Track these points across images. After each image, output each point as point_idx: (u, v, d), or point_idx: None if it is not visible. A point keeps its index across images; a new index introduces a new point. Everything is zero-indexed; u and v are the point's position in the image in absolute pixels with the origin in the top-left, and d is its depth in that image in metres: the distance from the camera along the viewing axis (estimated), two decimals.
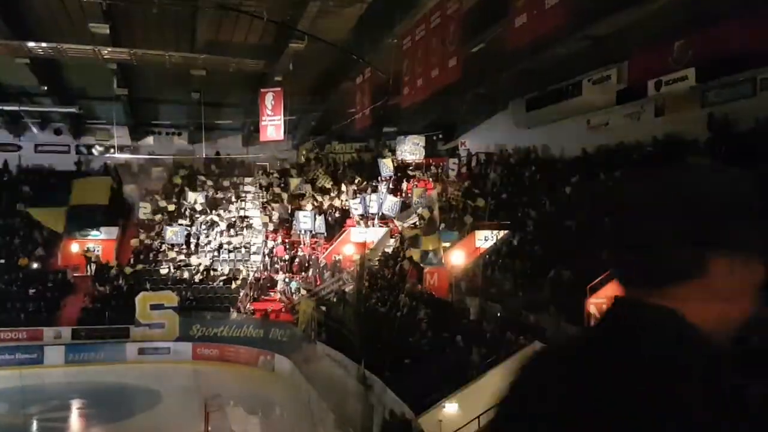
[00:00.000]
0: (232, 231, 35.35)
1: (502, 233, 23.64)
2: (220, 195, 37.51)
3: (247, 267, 33.71)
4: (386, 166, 36.03)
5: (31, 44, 23.17)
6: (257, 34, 24.02)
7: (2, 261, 32.01)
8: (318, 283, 31.10)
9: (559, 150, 27.32)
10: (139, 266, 32.88)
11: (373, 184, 36.21)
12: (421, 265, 23.79)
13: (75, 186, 35.19)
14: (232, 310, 30.88)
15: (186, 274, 32.63)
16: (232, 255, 34.38)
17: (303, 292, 30.77)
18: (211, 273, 33.11)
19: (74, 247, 33.88)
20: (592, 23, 19.06)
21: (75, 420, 23.32)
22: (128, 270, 32.46)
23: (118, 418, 22.01)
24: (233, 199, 37.70)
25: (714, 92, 19.78)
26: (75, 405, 24.24)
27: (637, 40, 20.16)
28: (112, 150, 33.00)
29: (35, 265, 32.35)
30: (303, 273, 32.63)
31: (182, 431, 20.16)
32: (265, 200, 37.53)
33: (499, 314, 18.31)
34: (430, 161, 37.69)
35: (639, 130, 22.58)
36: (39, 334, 29.09)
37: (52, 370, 27.84)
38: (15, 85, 30.44)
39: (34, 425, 20.52)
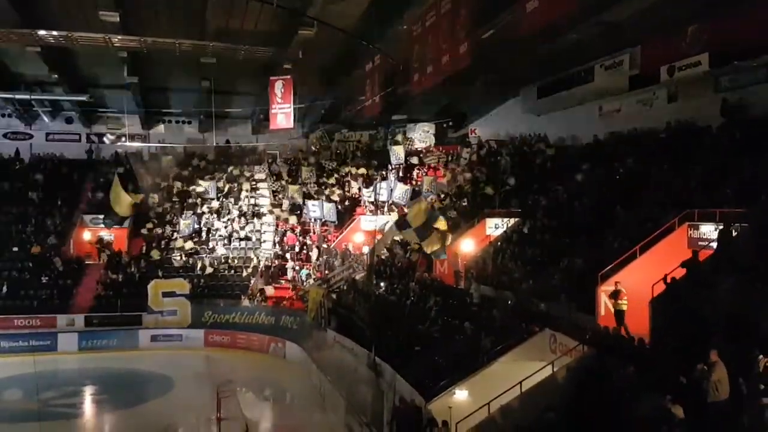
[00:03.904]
0: (243, 219, 35.44)
1: (512, 221, 23.55)
2: (233, 184, 37.57)
3: (258, 255, 33.84)
4: (397, 153, 35.95)
5: (41, 32, 23.23)
6: (267, 22, 23.94)
7: (15, 249, 32.24)
8: (327, 271, 31.16)
9: (571, 137, 27.13)
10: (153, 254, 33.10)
11: (383, 172, 36.14)
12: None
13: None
14: (243, 297, 31.03)
15: (197, 263, 32.77)
16: (243, 243, 34.49)
17: (312, 279, 30.88)
18: (222, 261, 33.24)
19: (86, 236, 34.12)
20: (605, 8, 18.90)
21: (88, 406, 23.52)
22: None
23: (130, 404, 22.22)
24: (244, 187, 37.74)
25: (728, 78, 19.55)
26: (88, 391, 24.47)
27: (649, 25, 19.94)
28: (123, 138, 33.04)
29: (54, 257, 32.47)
30: (312, 262, 32.66)
31: (194, 417, 20.31)
32: (275, 188, 37.58)
33: (509, 302, 18.26)
34: (440, 149, 37.57)
35: (652, 117, 22.39)
36: (52, 322, 29.38)
37: (66, 356, 28.13)
38: (26, 73, 30.58)
39: (48, 411, 20.70)
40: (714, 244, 14.03)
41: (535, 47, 22.33)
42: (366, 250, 30.49)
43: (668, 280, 13.39)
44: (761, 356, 9.66)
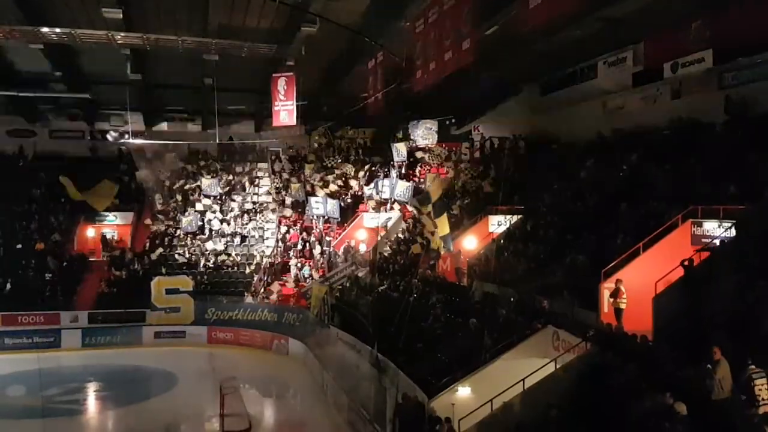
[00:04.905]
0: (245, 216, 35.48)
1: (515, 218, 23.53)
2: (236, 181, 37.64)
3: (261, 252, 33.89)
4: (399, 150, 35.90)
5: (44, 30, 23.21)
6: (269, 18, 23.95)
7: (19, 246, 32.29)
8: (327, 270, 31.18)
9: (574, 134, 27.06)
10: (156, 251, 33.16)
11: (385, 169, 36.09)
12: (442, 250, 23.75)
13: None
14: (246, 294, 31.06)
15: (201, 260, 32.80)
16: (246, 240, 34.54)
17: (315, 277, 30.90)
18: (225, 258, 33.26)
19: (90, 232, 34.22)
20: (608, 4, 18.85)
21: (92, 402, 23.59)
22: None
23: (134, 400, 22.26)
24: (247, 184, 37.79)
25: (731, 74, 19.48)
26: (92, 388, 24.53)
27: (653, 21, 19.88)
28: (126, 135, 33.08)
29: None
30: (313, 259, 32.62)
31: (198, 413, 20.37)
32: (278, 185, 37.60)
33: (512, 299, 18.25)
34: (443, 146, 37.47)
35: (655, 113, 22.33)
36: (56, 319, 29.43)
37: (69, 353, 28.20)
38: (29, 71, 30.58)
39: (52, 408, 20.77)
40: (717, 242, 14.03)
41: (538, 44, 22.30)
42: (363, 248, 30.52)
43: (686, 263, 13.38)
44: (751, 365, 9.65)
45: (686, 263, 13.38)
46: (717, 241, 14.04)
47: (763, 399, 9.38)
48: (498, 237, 23.36)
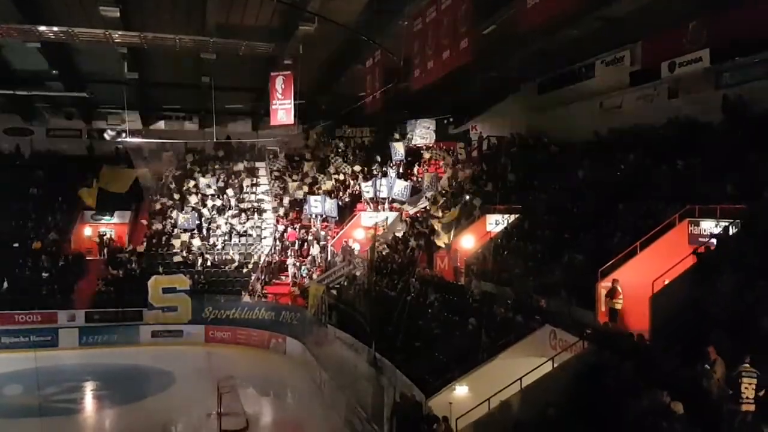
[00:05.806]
0: (243, 215, 35.45)
1: (513, 217, 23.53)
2: (234, 180, 37.61)
3: (258, 251, 33.85)
4: (397, 149, 35.92)
5: (42, 28, 23.18)
6: (267, 17, 23.94)
7: (16, 245, 32.23)
8: (325, 269, 31.16)
9: (572, 133, 27.07)
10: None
11: (383, 168, 36.09)
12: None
13: (102, 173, 34.61)
14: (243, 293, 31.03)
15: (198, 259, 32.76)
16: (243, 239, 34.51)
17: (314, 276, 30.88)
18: (223, 257, 33.23)
19: (87, 231, 34.18)
20: (605, 3, 18.87)
21: (89, 401, 23.56)
22: (140, 248, 32.86)
23: (131, 399, 22.24)
24: (244, 183, 37.75)
25: (729, 74, 19.50)
26: (89, 387, 24.49)
27: (650, 20, 19.90)
28: (123, 134, 33.04)
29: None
30: (310, 257, 32.59)
31: (195, 412, 20.34)
32: (276, 184, 37.60)
33: (510, 298, 18.26)
34: (441, 145, 37.52)
35: (652, 113, 22.31)
36: (53, 317, 29.39)
37: (67, 352, 28.18)
38: (26, 69, 30.52)
39: (49, 407, 20.73)
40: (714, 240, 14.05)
41: (536, 43, 22.32)
42: (357, 248, 30.51)
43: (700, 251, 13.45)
44: (746, 363, 9.68)
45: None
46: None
47: (747, 398, 9.46)
48: (496, 236, 23.35)
